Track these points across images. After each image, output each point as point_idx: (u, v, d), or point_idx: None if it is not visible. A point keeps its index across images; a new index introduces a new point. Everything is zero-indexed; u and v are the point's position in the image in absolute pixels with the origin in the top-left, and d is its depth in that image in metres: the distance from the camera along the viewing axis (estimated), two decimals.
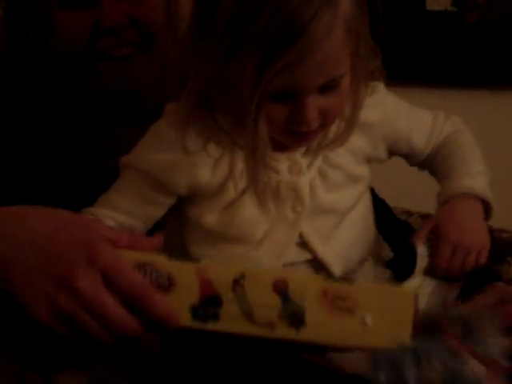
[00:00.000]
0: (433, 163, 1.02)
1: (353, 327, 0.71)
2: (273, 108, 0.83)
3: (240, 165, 0.88)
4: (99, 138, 1.10)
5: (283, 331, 0.71)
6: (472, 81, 2.02)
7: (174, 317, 0.70)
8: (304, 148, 0.93)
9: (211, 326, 0.70)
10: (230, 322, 0.70)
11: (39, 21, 1.03)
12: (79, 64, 1.06)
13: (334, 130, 0.92)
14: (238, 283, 0.70)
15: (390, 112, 0.97)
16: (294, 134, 0.87)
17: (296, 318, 0.70)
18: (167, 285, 0.70)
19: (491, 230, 1.00)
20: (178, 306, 0.70)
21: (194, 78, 0.85)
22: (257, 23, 0.77)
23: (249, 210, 0.89)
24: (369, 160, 0.98)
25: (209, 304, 0.70)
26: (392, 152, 1.00)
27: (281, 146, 0.91)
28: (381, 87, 0.96)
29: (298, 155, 0.93)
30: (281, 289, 0.71)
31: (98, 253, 0.71)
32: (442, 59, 2.01)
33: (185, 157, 0.88)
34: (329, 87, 0.84)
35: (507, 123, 2.03)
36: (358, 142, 0.95)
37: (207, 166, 0.89)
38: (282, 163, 0.92)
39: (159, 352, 0.83)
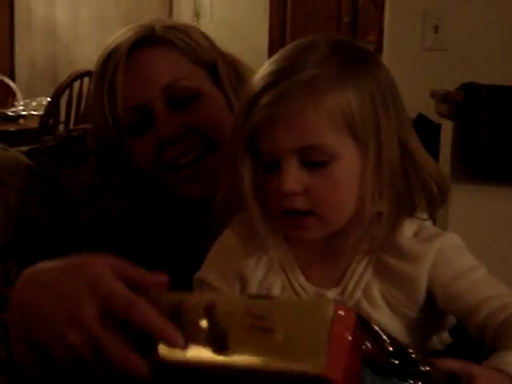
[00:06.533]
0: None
1: (269, 348, 0.66)
2: (267, 180, 0.88)
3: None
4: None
5: (209, 356, 0.69)
6: None
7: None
8: (339, 289, 0.91)
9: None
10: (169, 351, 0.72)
11: (120, 154, 1.15)
12: (157, 181, 1.15)
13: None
14: (179, 307, 0.73)
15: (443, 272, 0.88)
16: (286, 216, 0.88)
17: (219, 342, 0.69)
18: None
19: None
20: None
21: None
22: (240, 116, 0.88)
23: None
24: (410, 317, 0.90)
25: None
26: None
27: (314, 278, 0.92)
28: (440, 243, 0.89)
29: (330, 294, 0.91)
30: (209, 311, 0.71)
31: (100, 284, 0.76)
32: None
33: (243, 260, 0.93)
34: (313, 162, 0.85)
35: None
36: (395, 293, 0.90)
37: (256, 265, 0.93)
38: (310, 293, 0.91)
39: None
